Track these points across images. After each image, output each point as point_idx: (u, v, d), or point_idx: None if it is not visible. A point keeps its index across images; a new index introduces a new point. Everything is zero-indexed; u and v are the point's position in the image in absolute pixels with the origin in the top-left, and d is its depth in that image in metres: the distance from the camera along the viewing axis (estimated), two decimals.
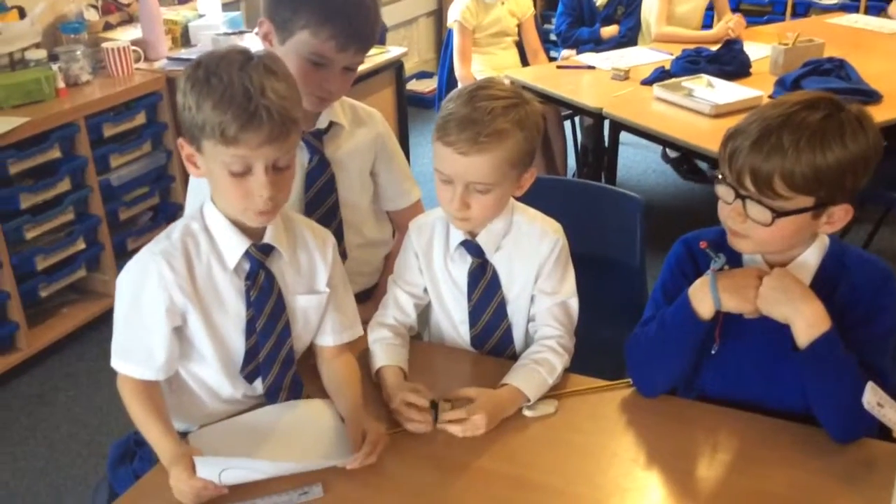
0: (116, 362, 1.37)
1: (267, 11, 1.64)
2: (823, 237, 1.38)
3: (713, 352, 1.42)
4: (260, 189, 1.29)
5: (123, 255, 3.11)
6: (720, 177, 1.34)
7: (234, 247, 1.37)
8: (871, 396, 1.15)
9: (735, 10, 4.56)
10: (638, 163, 4.48)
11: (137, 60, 3.19)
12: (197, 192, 1.67)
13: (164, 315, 1.34)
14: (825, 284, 1.36)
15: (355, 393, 1.43)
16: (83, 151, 2.88)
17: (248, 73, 1.26)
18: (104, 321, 3.03)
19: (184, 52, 3.32)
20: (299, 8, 1.57)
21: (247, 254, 1.38)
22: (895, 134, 2.56)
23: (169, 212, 3.29)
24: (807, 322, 1.29)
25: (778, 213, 1.27)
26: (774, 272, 1.32)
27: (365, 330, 1.58)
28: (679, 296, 1.41)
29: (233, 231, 1.37)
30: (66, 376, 2.86)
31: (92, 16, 3.26)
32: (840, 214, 1.30)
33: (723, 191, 1.34)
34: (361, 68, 3.27)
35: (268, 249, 1.40)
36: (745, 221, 1.31)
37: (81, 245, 2.96)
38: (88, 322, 3.03)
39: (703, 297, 1.36)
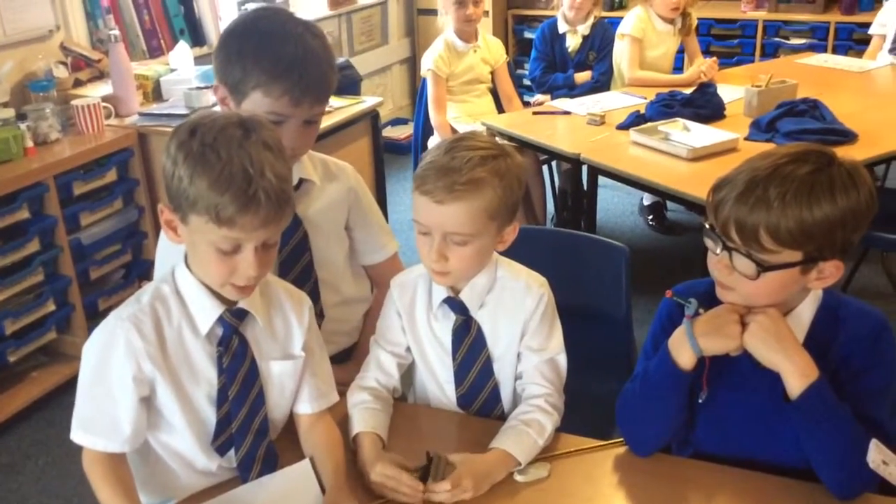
0: (78, 434, 1.30)
1: (219, 76, 1.62)
2: (817, 291, 1.35)
3: (700, 400, 1.37)
4: (247, 269, 1.26)
5: (95, 316, 3.04)
6: (708, 227, 1.32)
7: (208, 312, 1.32)
8: (876, 454, 1.11)
9: (705, 52, 4.62)
10: (616, 205, 4.48)
11: (108, 116, 3.15)
12: (167, 255, 1.62)
13: (131, 384, 1.28)
14: (820, 338, 1.33)
15: (337, 463, 1.38)
16: (52, 211, 2.82)
17: (248, 150, 1.21)
18: (75, 385, 2.93)
19: (155, 108, 3.28)
20: (248, 69, 1.55)
21: (220, 319, 1.33)
22: (872, 173, 2.56)
23: (141, 269, 3.22)
24: (799, 371, 1.26)
25: (764, 267, 1.25)
26: (769, 312, 1.28)
27: (345, 393, 1.53)
28: None
29: (206, 295, 1.32)
30: (36, 444, 2.76)
31: (61, 73, 3.22)
32: (831, 270, 1.27)
33: (710, 241, 1.31)
34: (337, 119, 3.32)
35: (242, 314, 1.35)
36: (731, 274, 1.29)
37: (51, 307, 2.88)
38: (59, 386, 2.94)
39: (682, 347, 1.33)
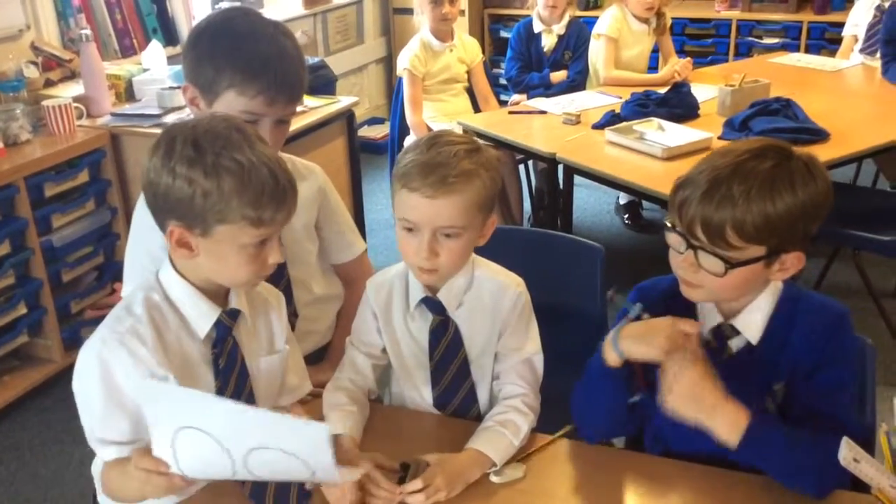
0: (106, 450, 1.28)
1: (189, 76, 1.61)
2: (777, 284, 1.37)
3: (633, 400, 1.39)
4: (275, 257, 1.29)
5: (67, 319, 3.02)
6: (670, 225, 1.33)
7: (205, 315, 1.32)
8: (847, 452, 1.12)
9: (679, 51, 4.65)
10: (592, 204, 4.49)
11: (80, 117, 3.11)
12: (137, 263, 1.62)
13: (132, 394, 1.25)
14: (778, 332, 1.35)
15: None
16: (23, 213, 2.78)
17: (258, 150, 1.24)
18: (48, 389, 2.92)
19: (128, 108, 3.24)
20: (221, 68, 1.55)
21: (216, 321, 1.32)
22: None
23: (114, 271, 3.18)
24: (727, 425, 1.26)
25: (731, 264, 1.26)
26: (687, 378, 1.27)
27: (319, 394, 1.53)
28: None
29: (202, 299, 1.32)
30: (7, 449, 2.71)
31: (32, 73, 3.18)
32: (793, 261, 1.30)
33: (674, 240, 1.33)
34: (312, 119, 3.30)
35: (235, 315, 1.35)
36: (697, 271, 1.30)
37: (23, 310, 2.83)
38: (31, 390, 2.89)
39: (609, 346, 1.35)
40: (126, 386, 1.26)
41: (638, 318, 1.34)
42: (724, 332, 1.38)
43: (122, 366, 1.26)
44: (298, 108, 3.22)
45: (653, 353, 1.30)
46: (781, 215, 1.23)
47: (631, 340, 1.32)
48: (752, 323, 1.35)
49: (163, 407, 1.12)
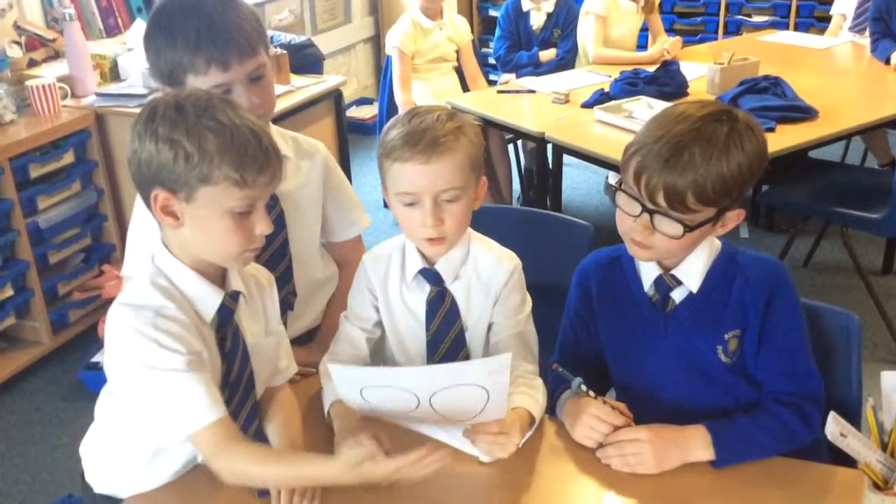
0: (181, 428, 1.22)
1: (155, 77, 1.63)
2: (714, 239, 1.41)
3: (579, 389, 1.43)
4: (262, 227, 1.27)
5: (54, 300, 3.01)
6: (626, 190, 1.35)
7: (210, 298, 1.30)
8: (834, 427, 1.12)
9: (668, 29, 4.63)
10: (582, 184, 4.49)
11: (64, 97, 3.08)
12: (139, 249, 1.60)
13: (189, 358, 1.22)
14: (719, 281, 1.39)
15: (297, 429, 1.41)
16: (8, 194, 2.76)
17: (241, 114, 1.24)
18: (36, 371, 2.91)
19: (113, 88, 3.21)
20: (169, 58, 1.56)
21: (220, 304, 1.31)
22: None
23: (102, 253, 3.17)
24: (696, 448, 1.32)
25: (689, 227, 1.29)
26: (644, 457, 1.31)
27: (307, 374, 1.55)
28: (576, 323, 1.55)
29: (204, 282, 1.30)
30: None
31: (15, 52, 3.14)
32: (732, 218, 1.35)
33: (627, 203, 1.35)
34: (299, 98, 3.28)
35: (237, 296, 1.34)
36: (652, 234, 1.33)
37: (9, 292, 2.82)
38: (19, 372, 2.88)
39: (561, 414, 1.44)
40: (170, 360, 1.21)
41: (580, 390, 1.38)
42: (666, 284, 1.41)
43: (161, 343, 1.21)
44: (285, 88, 3.25)
45: (587, 443, 1.37)
46: (735, 176, 1.28)
47: (567, 419, 1.40)
48: (692, 272, 1.39)
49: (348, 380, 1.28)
